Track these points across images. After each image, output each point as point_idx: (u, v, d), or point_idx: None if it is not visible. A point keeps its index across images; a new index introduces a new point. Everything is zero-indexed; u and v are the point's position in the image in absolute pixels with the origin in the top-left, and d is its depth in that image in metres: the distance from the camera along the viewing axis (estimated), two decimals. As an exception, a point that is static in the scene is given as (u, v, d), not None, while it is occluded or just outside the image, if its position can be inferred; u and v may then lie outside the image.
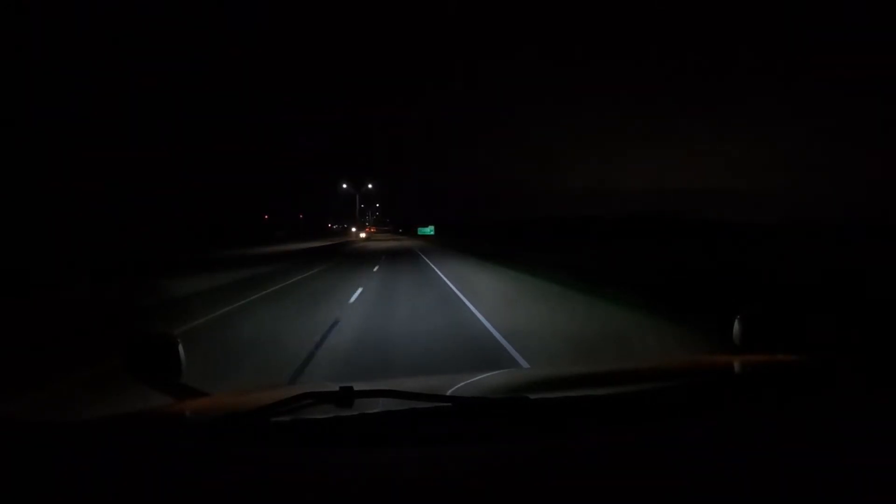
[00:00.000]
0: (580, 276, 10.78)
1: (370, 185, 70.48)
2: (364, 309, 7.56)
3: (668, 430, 0.75)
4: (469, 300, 8.20)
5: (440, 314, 6.96)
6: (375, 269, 15.48)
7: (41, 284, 9.81)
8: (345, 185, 69.37)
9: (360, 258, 22.04)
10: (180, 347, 1.17)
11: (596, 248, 22.59)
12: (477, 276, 12.68)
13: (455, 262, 17.71)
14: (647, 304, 7.12)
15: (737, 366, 1.22)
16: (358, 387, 0.84)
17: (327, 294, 9.58)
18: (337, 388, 0.84)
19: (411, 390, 0.87)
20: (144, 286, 10.07)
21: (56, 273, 11.24)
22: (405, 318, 6.75)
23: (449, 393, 0.99)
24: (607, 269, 12.48)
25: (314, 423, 0.80)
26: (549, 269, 12.39)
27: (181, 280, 11.28)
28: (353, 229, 72.99)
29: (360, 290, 9.67)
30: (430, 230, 71.62)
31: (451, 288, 10.08)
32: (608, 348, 4.87)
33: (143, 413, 0.95)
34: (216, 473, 0.65)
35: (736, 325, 1.28)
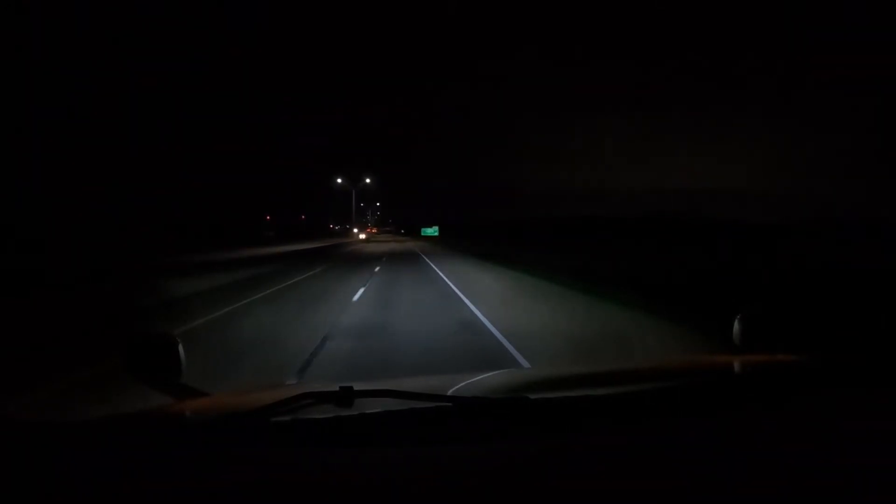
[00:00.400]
0: (585, 278, 10.77)
1: (367, 180, 63.29)
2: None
3: (668, 430, 0.75)
4: (470, 301, 8.22)
5: (440, 313, 6.97)
6: (355, 298, 8.72)
7: (41, 284, 9.81)
8: (340, 181, 62.28)
9: (351, 267, 16.68)
10: (180, 347, 1.17)
11: (597, 249, 22.62)
12: (480, 277, 12.71)
13: (461, 263, 17.71)
14: (647, 303, 7.12)
15: (737, 366, 1.21)
16: (358, 387, 0.84)
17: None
18: (337, 388, 0.84)
19: (411, 390, 0.87)
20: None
21: (56, 273, 11.24)
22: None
23: (449, 393, 0.99)
24: (609, 269, 12.49)
25: (314, 423, 0.79)
26: (558, 272, 12.34)
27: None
28: (355, 230, 68.81)
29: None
30: (433, 231, 67.58)
31: (456, 293, 10.09)
32: (608, 348, 4.87)
33: (143, 413, 0.95)
34: (216, 473, 0.65)
35: (736, 325, 1.28)
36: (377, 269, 15.72)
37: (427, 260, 20.06)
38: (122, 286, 10.29)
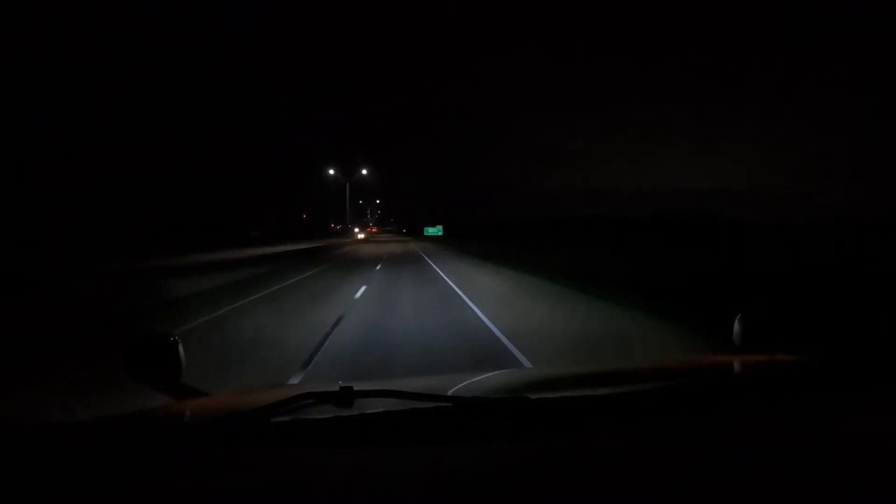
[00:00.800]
0: (586, 278, 10.74)
1: (364, 171, 55.74)
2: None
3: (668, 430, 0.75)
4: (472, 301, 8.22)
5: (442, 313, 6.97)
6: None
7: (41, 284, 9.81)
8: (332, 172, 53.57)
9: (328, 286, 10.82)
10: (180, 347, 1.17)
11: (597, 249, 22.60)
12: (480, 277, 12.71)
13: (461, 263, 17.65)
14: (647, 303, 7.12)
15: (737, 366, 1.21)
16: (358, 387, 0.84)
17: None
18: (337, 388, 0.84)
19: (411, 390, 0.87)
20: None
21: (56, 273, 11.23)
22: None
23: (450, 393, 0.99)
24: (609, 269, 12.48)
25: (314, 423, 0.79)
26: (559, 272, 12.31)
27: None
28: (356, 230, 65.32)
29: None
30: (437, 230, 61.94)
31: (457, 293, 10.07)
32: (608, 348, 4.87)
33: (143, 413, 0.95)
34: (216, 473, 0.65)
35: (736, 325, 1.27)
36: (360, 292, 9.53)
37: (429, 261, 19.98)
38: (122, 286, 10.28)
